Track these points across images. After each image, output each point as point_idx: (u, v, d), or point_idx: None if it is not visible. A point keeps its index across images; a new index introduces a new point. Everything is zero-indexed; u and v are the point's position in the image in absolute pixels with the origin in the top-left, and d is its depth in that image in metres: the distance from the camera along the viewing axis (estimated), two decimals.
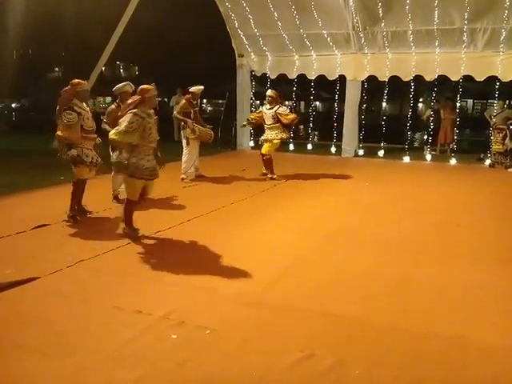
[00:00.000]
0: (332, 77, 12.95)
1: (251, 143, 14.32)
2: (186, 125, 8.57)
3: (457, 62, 11.35)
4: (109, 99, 28.99)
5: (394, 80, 12.35)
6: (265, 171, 9.32)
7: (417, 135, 19.75)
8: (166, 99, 20.36)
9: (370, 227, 6.08)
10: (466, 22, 10.81)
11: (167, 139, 12.21)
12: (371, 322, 3.47)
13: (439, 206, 7.33)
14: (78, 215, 5.99)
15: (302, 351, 3.03)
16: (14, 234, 5.35)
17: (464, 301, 3.91)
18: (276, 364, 2.91)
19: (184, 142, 8.78)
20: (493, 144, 11.31)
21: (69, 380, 2.77)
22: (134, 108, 4.99)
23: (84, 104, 5.89)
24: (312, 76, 13.18)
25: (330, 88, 14.69)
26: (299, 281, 4.27)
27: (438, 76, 11.77)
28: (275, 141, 8.98)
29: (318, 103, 36.11)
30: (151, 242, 5.29)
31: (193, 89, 8.66)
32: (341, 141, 13.18)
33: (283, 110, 8.91)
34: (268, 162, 9.16)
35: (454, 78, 11.69)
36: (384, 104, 19.41)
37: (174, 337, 3.20)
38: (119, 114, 5.27)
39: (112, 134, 4.94)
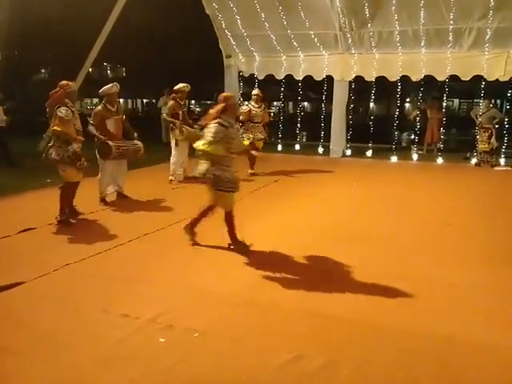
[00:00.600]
0: (319, 77, 12.98)
1: None
2: (174, 126, 8.53)
3: (443, 61, 11.44)
4: (96, 101, 28.77)
5: (381, 80, 12.40)
6: (252, 171, 9.44)
7: (404, 135, 19.85)
8: (154, 100, 20.26)
9: (359, 227, 6.11)
10: (451, 22, 10.90)
11: (155, 141, 12.19)
12: (361, 322, 3.48)
13: (427, 204, 7.39)
14: (70, 218, 5.89)
15: (292, 351, 3.03)
16: None
17: (454, 299, 3.93)
18: (266, 365, 2.90)
19: (173, 143, 8.73)
20: (479, 143, 11.43)
21: (61, 381, 2.76)
22: (217, 117, 4.68)
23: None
24: (299, 76, 13.19)
25: (318, 88, 14.70)
26: (288, 281, 4.27)
27: (425, 76, 11.85)
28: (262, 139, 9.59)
29: (305, 104, 36.16)
30: (138, 244, 5.26)
31: (178, 86, 8.58)
32: (329, 141, 13.20)
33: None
34: (254, 158, 9.15)
35: (440, 77, 11.78)
36: (371, 104, 19.46)
37: (162, 340, 3.18)
38: (203, 123, 5.05)
39: (202, 146, 4.63)
